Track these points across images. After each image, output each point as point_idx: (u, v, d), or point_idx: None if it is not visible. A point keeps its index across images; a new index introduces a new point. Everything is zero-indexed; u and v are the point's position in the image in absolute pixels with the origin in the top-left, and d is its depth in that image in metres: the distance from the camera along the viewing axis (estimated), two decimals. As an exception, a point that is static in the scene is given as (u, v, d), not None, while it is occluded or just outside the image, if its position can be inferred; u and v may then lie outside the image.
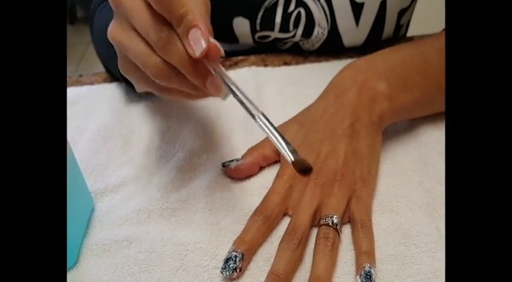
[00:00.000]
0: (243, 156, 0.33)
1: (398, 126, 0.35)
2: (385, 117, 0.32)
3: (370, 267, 0.25)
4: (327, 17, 0.45)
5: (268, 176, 0.33)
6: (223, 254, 0.27)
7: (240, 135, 0.37)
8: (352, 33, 0.46)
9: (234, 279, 0.26)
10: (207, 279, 0.26)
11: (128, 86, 0.41)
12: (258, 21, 0.46)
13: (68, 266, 0.27)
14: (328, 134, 0.31)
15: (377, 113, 0.32)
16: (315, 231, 0.28)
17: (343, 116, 0.31)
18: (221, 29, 0.49)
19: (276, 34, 0.47)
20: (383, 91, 0.32)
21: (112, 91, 0.43)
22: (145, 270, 0.27)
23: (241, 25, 0.47)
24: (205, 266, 0.27)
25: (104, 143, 0.36)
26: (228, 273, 0.26)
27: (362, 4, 0.44)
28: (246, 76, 0.45)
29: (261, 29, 0.47)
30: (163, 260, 0.27)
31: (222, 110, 0.40)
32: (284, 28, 0.46)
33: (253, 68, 0.47)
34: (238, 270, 0.26)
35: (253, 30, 0.47)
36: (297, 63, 0.49)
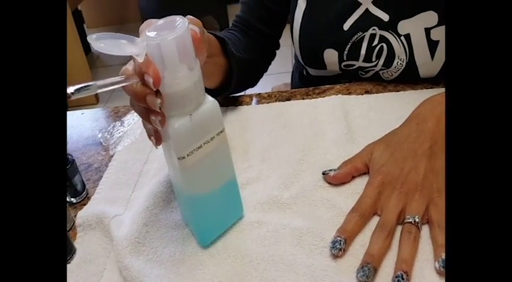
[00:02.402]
0: (339, 167, 0.43)
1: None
2: (458, 142, 0.40)
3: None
4: (406, 51, 0.53)
5: (358, 183, 0.42)
6: (329, 238, 0.37)
7: (333, 151, 0.46)
8: (427, 66, 0.53)
9: (339, 256, 0.35)
10: (318, 254, 0.36)
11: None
12: (346, 52, 0.55)
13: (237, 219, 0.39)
14: (411, 153, 0.39)
15: (452, 139, 0.40)
16: (399, 229, 0.37)
17: (423, 140, 0.40)
18: (313, 57, 0.58)
19: (360, 63, 0.55)
20: (457, 121, 0.40)
21: (230, 113, 0.55)
22: (273, 244, 0.37)
23: (330, 55, 0.56)
24: (316, 244, 0.37)
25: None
26: (335, 251, 0.35)
27: (437, 41, 0.51)
28: (334, 103, 0.54)
29: (348, 59, 0.55)
30: (285, 238, 0.37)
31: (318, 130, 0.50)
32: (368, 58, 0.54)
33: (340, 96, 0.56)
34: (342, 250, 0.35)
35: (341, 60, 0.55)
36: (377, 91, 0.57)
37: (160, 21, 0.31)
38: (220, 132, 0.34)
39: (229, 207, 0.38)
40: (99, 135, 0.57)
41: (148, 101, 0.30)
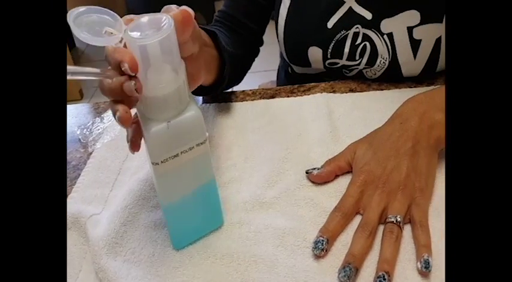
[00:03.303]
0: (322, 166, 0.42)
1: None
2: (441, 141, 0.40)
3: (428, 257, 0.33)
4: (388, 50, 0.53)
5: (341, 182, 0.42)
6: (311, 238, 0.36)
7: (317, 150, 0.46)
8: (410, 64, 0.53)
9: (321, 256, 0.35)
10: (300, 255, 0.35)
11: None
12: (330, 50, 0.54)
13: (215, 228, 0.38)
14: (393, 152, 0.39)
15: (434, 137, 0.40)
16: (381, 228, 0.37)
17: (406, 139, 0.39)
18: (298, 55, 0.58)
19: (343, 62, 0.55)
20: (440, 120, 0.40)
21: (214, 110, 0.54)
22: (255, 244, 0.36)
23: (315, 53, 0.55)
24: (298, 245, 0.36)
25: (213, 150, 0.47)
26: (317, 251, 0.34)
27: (420, 41, 0.52)
28: (318, 101, 0.54)
29: (332, 57, 0.55)
30: (267, 239, 0.37)
31: (302, 128, 0.49)
32: (351, 57, 0.54)
33: (324, 94, 0.55)
34: (324, 250, 0.35)
35: (325, 58, 0.55)
36: (362, 90, 0.57)
37: (144, 19, 0.29)
38: (201, 143, 0.32)
39: (206, 216, 0.37)
40: (78, 132, 0.55)
41: (125, 88, 0.29)
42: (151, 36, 0.28)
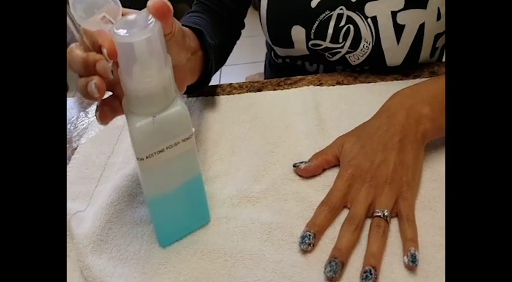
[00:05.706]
0: (310, 160, 0.42)
1: (437, 142, 0.43)
2: (427, 135, 0.40)
3: (414, 251, 0.33)
4: (372, 34, 0.53)
5: (329, 176, 0.41)
6: (298, 233, 0.36)
7: (304, 143, 0.46)
8: (393, 50, 0.53)
9: (308, 251, 0.35)
10: (287, 250, 0.35)
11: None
12: (313, 31, 0.54)
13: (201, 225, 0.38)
14: (381, 147, 0.39)
15: (421, 131, 0.40)
16: (368, 221, 0.37)
17: (393, 133, 0.39)
18: (281, 34, 0.58)
19: (327, 44, 0.55)
20: (426, 114, 0.40)
21: (200, 104, 0.53)
22: (242, 240, 0.36)
23: (298, 32, 0.55)
24: (285, 240, 0.36)
25: (199, 144, 0.46)
26: (304, 246, 0.34)
27: (403, 26, 0.52)
28: (305, 94, 0.54)
29: (315, 38, 0.55)
30: (254, 234, 0.36)
31: (289, 121, 0.49)
32: (335, 39, 0.54)
33: (311, 87, 0.55)
34: (311, 245, 0.35)
35: (308, 38, 0.55)
36: (348, 83, 0.56)
37: (131, 16, 0.29)
38: (187, 138, 0.32)
39: (192, 213, 0.37)
40: (61, 127, 0.54)
41: (98, 66, 0.29)
42: (137, 33, 0.27)
